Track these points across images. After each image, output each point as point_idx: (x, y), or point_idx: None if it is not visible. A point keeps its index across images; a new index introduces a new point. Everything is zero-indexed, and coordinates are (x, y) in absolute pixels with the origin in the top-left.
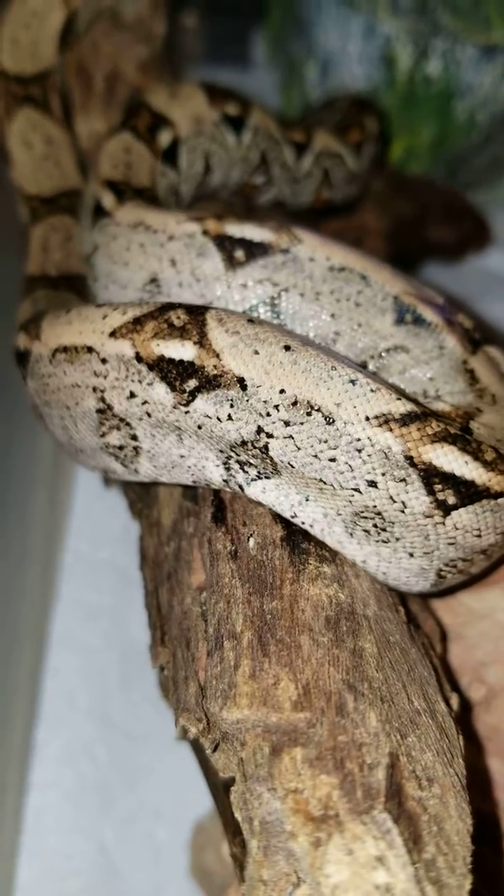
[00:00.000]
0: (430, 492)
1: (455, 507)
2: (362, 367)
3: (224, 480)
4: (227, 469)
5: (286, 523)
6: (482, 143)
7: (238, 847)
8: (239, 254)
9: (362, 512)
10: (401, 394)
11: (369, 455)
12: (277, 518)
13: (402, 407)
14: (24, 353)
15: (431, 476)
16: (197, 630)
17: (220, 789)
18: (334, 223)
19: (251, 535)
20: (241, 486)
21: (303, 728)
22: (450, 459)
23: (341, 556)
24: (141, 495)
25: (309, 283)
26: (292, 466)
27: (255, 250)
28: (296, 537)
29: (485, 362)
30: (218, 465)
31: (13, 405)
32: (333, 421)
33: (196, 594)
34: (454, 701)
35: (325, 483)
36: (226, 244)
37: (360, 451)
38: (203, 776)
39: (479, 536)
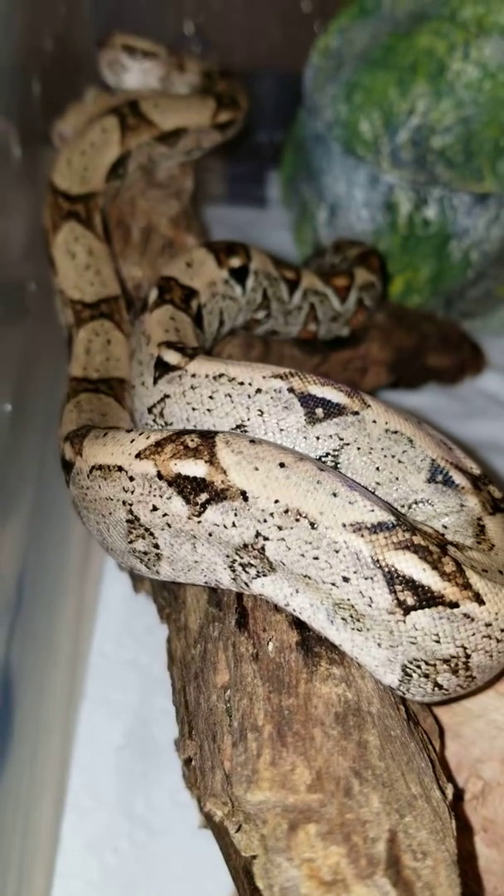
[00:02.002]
0: (392, 591)
1: (414, 608)
2: None
3: (232, 580)
4: (233, 570)
5: (301, 629)
6: (476, 279)
7: None
8: (319, 411)
9: (340, 603)
10: (378, 506)
11: (344, 556)
12: (294, 624)
13: (374, 518)
14: (68, 462)
15: (394, 577)
16: (222, 724)
17: (239, 871)
18: (344, 354)
19: (270, 639)
20: (245, 584)
21: (316, 807)
22: (409, 565)
23: (348, 658)
24: (169, 601)
25: (366, 441)
26: (284, 564)
27: (331, 410)
28: (309, 642)
29: (500, 523)
30: (225, 569)
31: (48, 506)
32: (317, 526)
33: (221, 692)
34: (449, 790)
35: (310, 578)
36: (309, 402)
37: (337, 551)
38: (224, 859)
39: (437, 642)
